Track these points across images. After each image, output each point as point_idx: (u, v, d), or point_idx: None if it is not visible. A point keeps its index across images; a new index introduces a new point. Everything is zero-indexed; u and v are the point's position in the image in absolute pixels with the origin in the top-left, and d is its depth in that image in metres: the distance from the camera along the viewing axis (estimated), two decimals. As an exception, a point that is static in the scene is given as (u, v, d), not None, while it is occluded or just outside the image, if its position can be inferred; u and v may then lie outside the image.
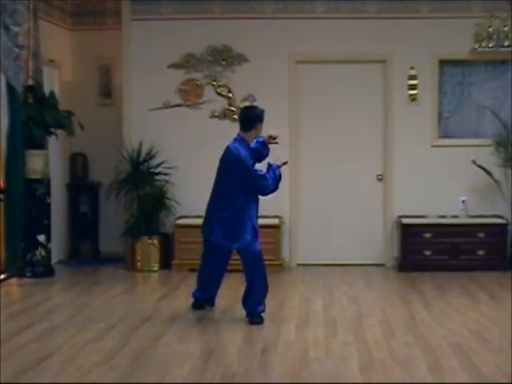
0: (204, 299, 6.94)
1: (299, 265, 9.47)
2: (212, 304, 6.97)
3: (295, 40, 9.37)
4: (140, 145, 9.31)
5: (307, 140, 9.49)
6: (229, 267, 6.89)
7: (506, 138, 9.20)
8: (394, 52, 9.34)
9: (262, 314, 6.46)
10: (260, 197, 6.63)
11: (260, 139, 6.78)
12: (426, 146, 9.38)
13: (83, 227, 10.20)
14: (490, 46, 9.17)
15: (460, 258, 9.01)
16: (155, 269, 9.08)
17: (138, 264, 9.09)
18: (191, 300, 6.99)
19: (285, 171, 9.17)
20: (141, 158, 9.29)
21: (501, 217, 9.16)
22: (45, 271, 8.56)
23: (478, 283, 8.22)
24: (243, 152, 6.49)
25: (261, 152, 6.81)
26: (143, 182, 9.24)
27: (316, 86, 9.47)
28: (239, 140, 6.58)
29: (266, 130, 9.03)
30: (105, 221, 10.17)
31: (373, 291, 8.02)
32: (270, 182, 6.53)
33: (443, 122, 9.47)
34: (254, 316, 6.42)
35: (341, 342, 5.80)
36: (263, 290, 6.52)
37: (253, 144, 6.70)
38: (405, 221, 9.13)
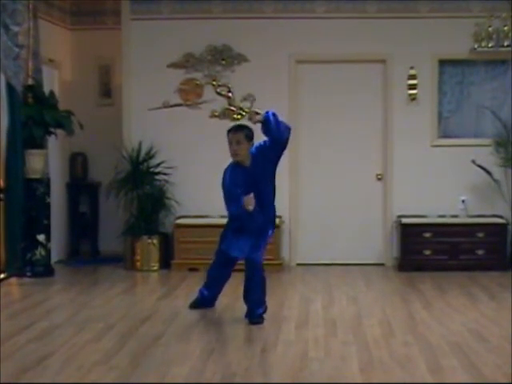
0: (209, 298, 6.93)
1: (299, 264, 9.48)
2: (212, 305, 6.97)
3: (295, 40, 9.37)
4: (140, 144, 9.31)
5: (307, 139, 9.50)
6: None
7: (506, 138, 9.20)
8: (393, 52, 9.34)
9: (263, 316, 6.46)
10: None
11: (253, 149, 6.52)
12: (426, 145, 9.39)
13: (83, 227, 10.20)
14: (490, 45, 9.18)
15: (460, 258, 9.02)
16: (155, 268, 9.09)
17: (138, 264, 9.09)
18: (193, 297, 6.99)
19: (284, 171, 9.28)
20: (140, 158, 9.29)
21: (501, 216, 9.16)
22: (44, 271, 8.57)
23: (478, 283, 8.22)
24: (229, 180, 6.41)
25: (263, 148, 6.48)
26: (143, 181, 9.24)
27: (316, 85, 9.47)
28: (232, 163, 6.51)
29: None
30: (104, 220, 10.17)
31: (372, 291, 8.03)
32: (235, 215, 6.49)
33: (443, 122, 9.48)
34: (254, 317, 6.42)
35: (340, 341, 5.80)
36: (260, 290, 6.50)
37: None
38: (404, 220, 9.13)
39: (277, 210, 9.00)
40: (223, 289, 6.96)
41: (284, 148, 6.53)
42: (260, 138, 6.52)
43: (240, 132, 6.45)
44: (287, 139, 6.50)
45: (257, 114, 6.36)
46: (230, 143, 6.45)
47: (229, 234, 6.68)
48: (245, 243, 6.48)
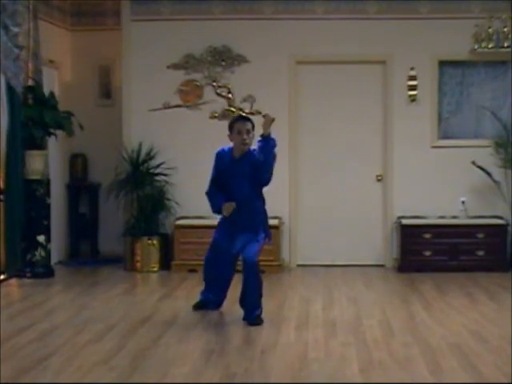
0: (214, 300, 6.93)
1: (299, 265, 9.48)
2: (217, 307, 6.95)
3: (295, 41, 9.37)
4: (140, 145, 9.31)
5: (307, 140, 9.50)
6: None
7: (506, 139, 9.20)
8: (393, 53, 9.34)
9: (261, 316, 6.45)
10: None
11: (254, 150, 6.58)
12: (426, 146, 9.39)
13: (83, 228, 10.20)
14: (490, 46, 9.18)
15: (460, 259, 9.02)
16: (155, 269, 9.08)
17: (138, 264, 9.09)
18: (194, 300, 6.99)
19: (285, 170, 9.28)
20: (140, 159, 9.29)
21: (500, 217, 9.16)
22: (44, 272, 8.56)
23: (478, 284, 8.22)
24: (216, 158, 6.64)
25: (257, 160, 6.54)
26: (143, 182, 9.24)
27: (316, 86, 9.47)
28: (228, 147, 6.63)
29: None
30: (104, 221, 10.16)
31: (372, 292, 8.02)
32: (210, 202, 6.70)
33: (443, 123, 9.48)
34: (253, 319, 6.41)
35: (340, 342, 5.80)
36: (257, 292, 6.49)
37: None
38: (404, 221, 9.13)
39: (277, 210, 9.04)
40: (228, 289, 6.94)
41: (262, 183, 6.57)
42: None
43: (249, 122, 6.55)
44: (268, 178, 6.51)
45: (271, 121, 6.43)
46: (240, 133, 6.47)
47: (220, 227, 6.76)
48: (236, 239, 6.54)
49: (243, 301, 6.56)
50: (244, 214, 6.52)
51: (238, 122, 6.53)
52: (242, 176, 6.53)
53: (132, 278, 8.82)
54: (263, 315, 6.46)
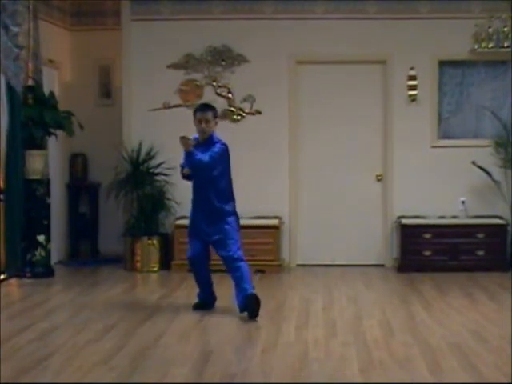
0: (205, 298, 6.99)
1: (299, 265, 9.48)
2: (212, 301, 7.01)
3: (295, 40, 9.37)
4: (140, 145, 9.31)
5: (307, 140, 9.50)
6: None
7: (506, 139, 9.21)
8: (393, 52, 9.34)
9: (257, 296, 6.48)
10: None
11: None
12: (426, 146, 9.39)
13: (83, 227, 10.19)
14: (490, 46, 9.18)
15: (460, 259, 9.02)
16: (155, 269, 9.09)
17: (138, 264, 9.09)
18: (194, 300, 7.00)
19: (285, 170, 9.28)
20: (140, 159, 9.29)
21: (500, 217, 9.16)
22: (44, 271, 8.56)
23: (478, 284, 8.22)
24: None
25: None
26: (143, 182, 9.24)
27: (316, 86, 9.47)
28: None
29: (269, 132, 9.09)
30: (104, 221, 10.16)
31: (372, 292, 8.03)
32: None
33: (443, 123, 9.48)
34: (249, 297, 6.42)
35: (340, 342, 5.80)
36: (247, 277, 6.54)
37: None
38: (404, 221, 9.13)
39: (277, 210, 9.04)
40: (221, 288, 6.93)
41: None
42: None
43: (209, 111, 6.72)
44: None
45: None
46: (200, 122, 6.67)
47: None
48: (196, 219, 6.72)
49: (237, 294, 6.56)
50: (201, 198, 6.70)
51: (198, 111, 6.73)
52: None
53: (132, 277, 8.82)
54: (262, 313, 6.46)
